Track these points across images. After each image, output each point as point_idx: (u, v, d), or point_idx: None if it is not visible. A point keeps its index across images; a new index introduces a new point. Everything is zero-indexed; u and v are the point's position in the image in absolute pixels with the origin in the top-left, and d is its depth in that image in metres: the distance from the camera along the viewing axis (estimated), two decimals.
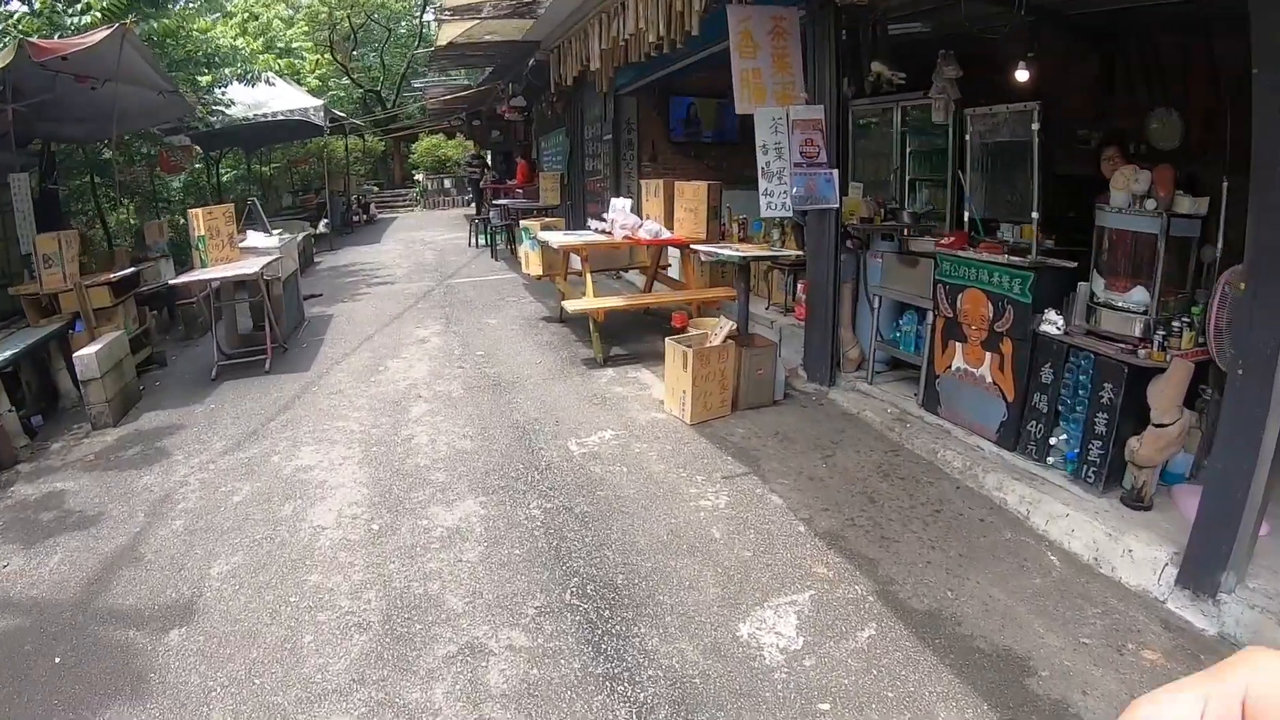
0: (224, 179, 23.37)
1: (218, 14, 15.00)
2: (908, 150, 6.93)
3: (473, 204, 27.32)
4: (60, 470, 5.72)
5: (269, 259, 8.26)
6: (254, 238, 9.37)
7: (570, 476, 5.09)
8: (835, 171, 6.30)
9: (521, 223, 9.15)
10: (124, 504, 5.03)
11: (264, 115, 15.57)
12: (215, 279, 7.62)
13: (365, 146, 30.42)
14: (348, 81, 31.78)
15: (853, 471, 5.12)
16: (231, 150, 22.66)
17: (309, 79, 24.93)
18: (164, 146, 14.04)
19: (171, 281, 7.63)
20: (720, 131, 12.55)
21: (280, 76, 19.29)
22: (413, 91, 27.97)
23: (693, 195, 7.70)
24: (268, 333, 8.08)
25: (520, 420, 6.09)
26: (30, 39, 6.09)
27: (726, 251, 6.49)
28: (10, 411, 6.32)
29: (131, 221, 15.09)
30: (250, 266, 7.68)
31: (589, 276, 7.61)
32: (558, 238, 7.90)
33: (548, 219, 9.35)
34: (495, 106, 18.57)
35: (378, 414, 6.40)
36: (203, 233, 7.86)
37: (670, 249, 8.53)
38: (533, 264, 8.95)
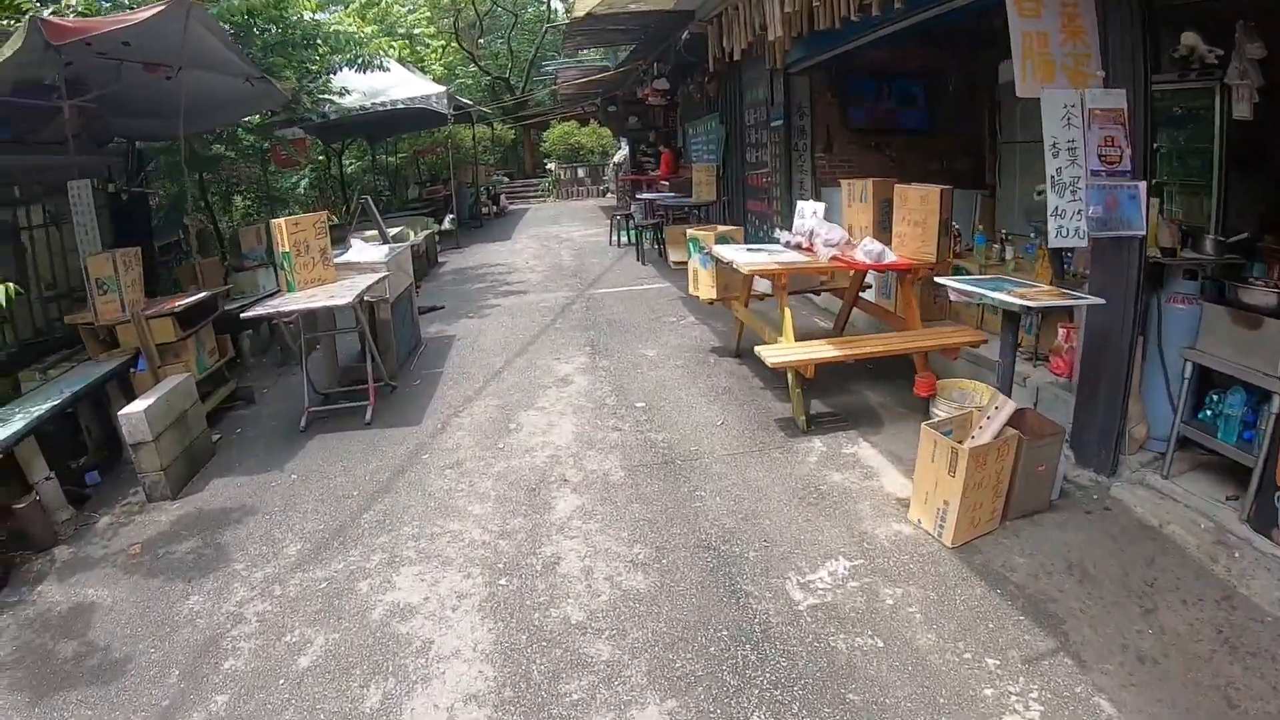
0: (348, 170, 22.56)
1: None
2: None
3: (611, 194, 25.97)
4: (99, 564, 4.54)
5: (372, 279, 6.74)
6: (357, 249, 7.92)
7: (803, 658, 3.27)
8: (1142, 185, 4.31)
9: (689, 232, 7.35)
10: (159, 644, 3.67)
11: (382, 104, 14.37)
12: (294, 310, 6.13)
13: (494, 135, 29.26)
14: (475, 69, 30.76)
15: (1188, 642, 3.25)
16: (355, 141, 21.80)
17: (433, 66, 23.84)
18: (275, 140, 12.96)
19: (244, 315, 6.17)
20: (904, 118, 10.48)
21: (401, 62, 18.13)
22: (542, 77, 26.61)
23: (919, 204, 5.72)
24: (369, 373, 6.60)
25: (711, 533, 4.29)
26: (44, 17, 4.69)
27: (1002, 297, 4.49)
28: (49, 479, 5.04)
29: (245, 221, 14.12)
30: (344, 294, 6.13)
31: (787, 313, 5.77)
32: (744, 258, 6.06)
33: (723, 228, 7.47)
34: (634, 90, 16.90)
35: (508, 510, 4.72)
36: (287, 249, 6.40)
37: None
38: (703, 284, 7.16)
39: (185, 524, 4.92)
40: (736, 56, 8.38)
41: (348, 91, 12.99)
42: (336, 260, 7.33)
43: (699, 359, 7.37)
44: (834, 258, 5.84)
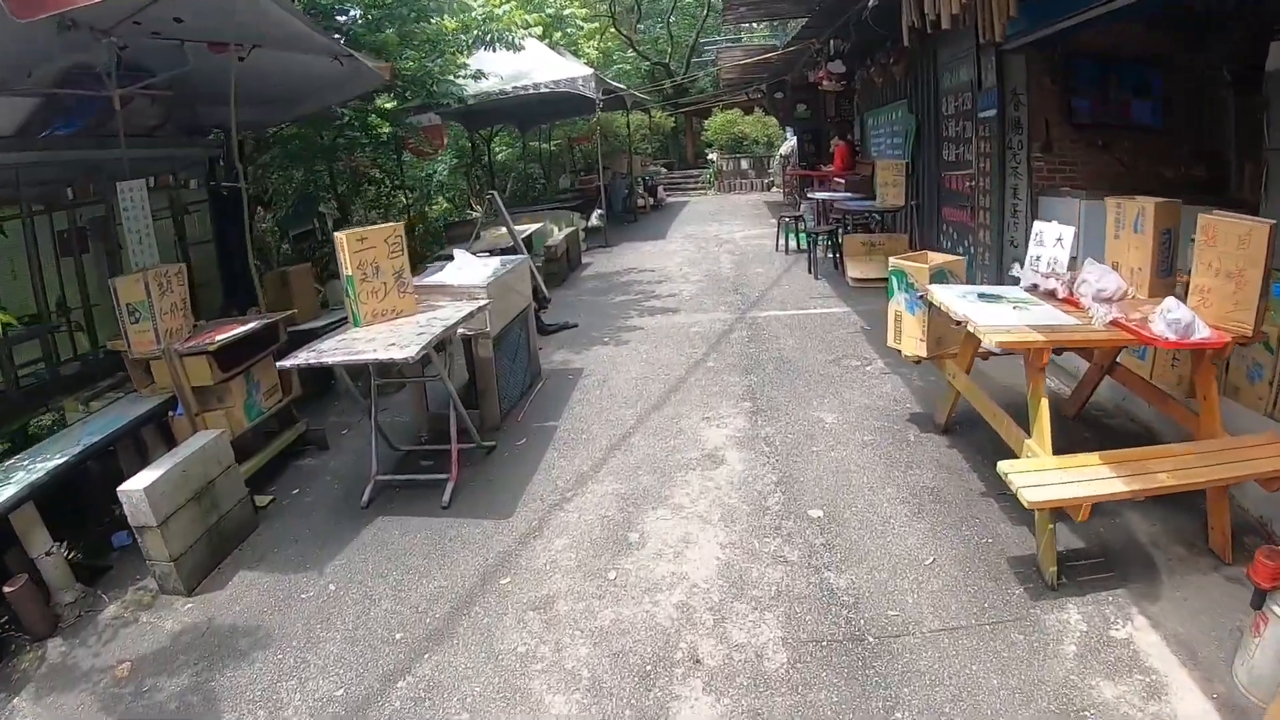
0: (498, 158, 21.65)
1: None
2: None
3: (777, 189, 24.10)
4: (80, 683, 3.69)
5: (462, 313, 5.32)
6: (456, 265, 6.54)
7: None
8: None
9: (894, 262, 5.46)
10: None
11: (524, 88, 13.40)
12: (334, 363, 4.75)
13: (652, 123, 27.81)
14: (633, 54, 29.41)
15: None
16: (503, 128, 20.86)
17: (587, 50, 22.59)
18: (404, 128, 11.90)
19: (282, 364, 4.85)
20: (1137, 111, 8.28)
21: (551, 46, 16.90)
22: (702, 60, 24.95)
23: (1235, 245, 3.72)
24: (453, 437, 5.23)
25: None
26: None
27: None
28: (50, 553, 4.16)
29: (370, 212, 13.22)
30: (411, 340, 4.71)
31: (1043, 410, 3.91)
32: (982, 315, 4.16)
33: (938, 257, 5.42)
34: (805, 73, 14.99)
35: (604, 714, 3.17)
36: (350, 271, 5.08)
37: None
38: (908, 336, 5.34)
39: (187, 642, 3.86)
40: (945, 24, 6.49)
41: (483, 75, 11.89)
42: (426, 281, 6.02)
43: (894, 433, 5.57)
44: (1115, 323, 3.94)
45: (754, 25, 25.49)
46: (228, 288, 7.42)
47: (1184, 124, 8.09)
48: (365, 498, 5.18)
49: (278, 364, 5.01)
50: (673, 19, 30.47)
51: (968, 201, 9.08)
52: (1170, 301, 3.74)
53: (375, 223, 14.16)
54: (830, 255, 11.56)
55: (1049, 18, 6.90)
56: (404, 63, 9.74)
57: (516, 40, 11.60)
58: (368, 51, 9.49)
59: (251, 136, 9.96)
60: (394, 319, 5.35)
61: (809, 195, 13.26)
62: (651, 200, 22.87)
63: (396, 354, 4.49)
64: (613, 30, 29.32)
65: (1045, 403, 3.92)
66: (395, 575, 4.30)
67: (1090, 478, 3.62)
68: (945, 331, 5.17)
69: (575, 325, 9.18)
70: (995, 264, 8.47)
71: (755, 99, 24.24)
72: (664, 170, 28.18)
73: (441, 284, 5.97)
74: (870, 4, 8.74)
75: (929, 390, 6.17)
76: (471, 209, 20.70)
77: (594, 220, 15.99)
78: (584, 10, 21.88)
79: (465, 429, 5.50)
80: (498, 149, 22.05)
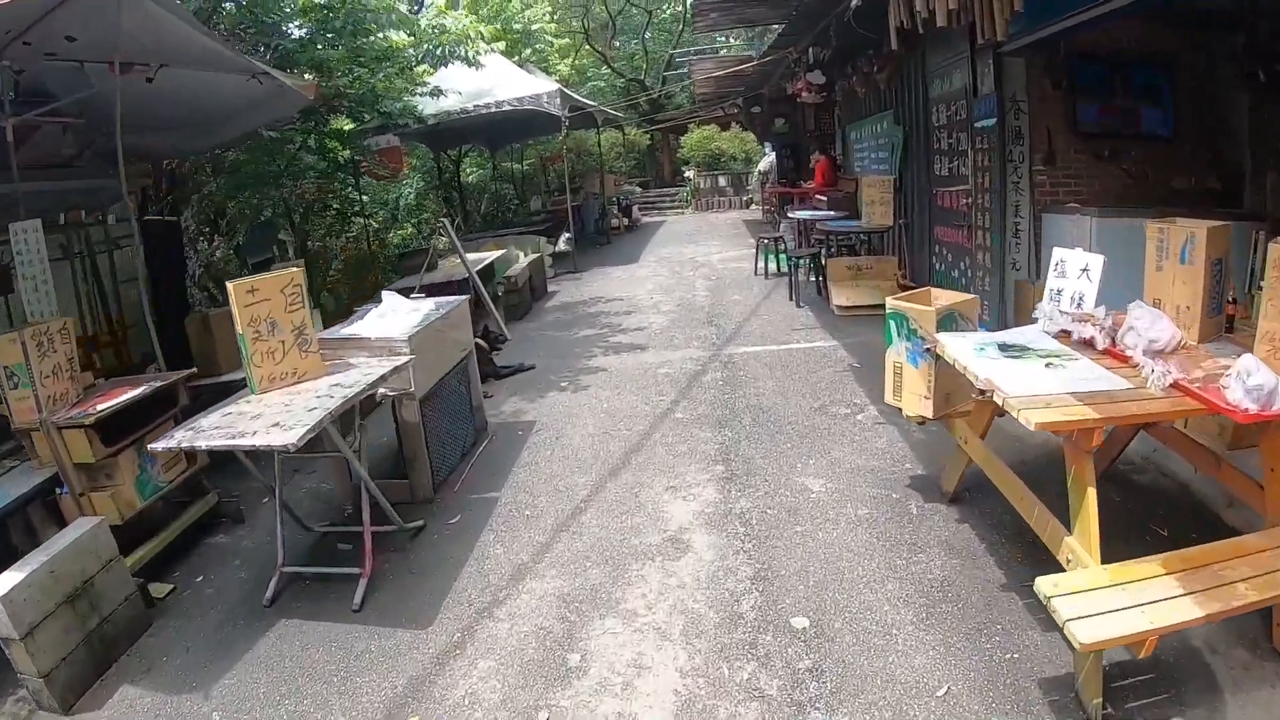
0: (469, 179, 20.81)
1: None
2: None
3: (756, 206, 23.27)
4: None
5: (371, 376, 4.39)
6: (383, 308, 5.63)
7: None
8: None
9: (891, 303, 4.54)
10: None
11: (485, 106, 12.69)
12: (205, 448, 3.85)
13: (626, 140, 26.99)
14: (608, 71, 28.67)
15: None
16: (473, 148, 20.03)
17: (558, 67, 21.81)
18: (357, 150, 11.08)
19: (153, 446, 3.93)
20: (1146, 118, 7.49)
21: (514, 58, 16.14)
22: (677, 73, 24.19)
23: None
24: (365, 527, 4.36)
25: None
26: None
27: None
28: None
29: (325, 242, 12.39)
30: (297, 418, 3.74)
31: (1090, 503, 3.00)
32: (1011, 380, 3.13)
33: (947, 297, 4.51)
34: (783, 85, 14.19)
35: None
36: (241, 329, 4.18)
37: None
38: (910, 392, 4.41)
39: None
40: (941, 21, 5.66)
41: (441, 92, 11.12)
42: (340, 333, 5.13)
43: (892, 504, 4.66)
44: (1177, 386, 3.05)
45: (729, 37, 24.78)
46: (161, 330, 6.56)
47: (1194, 130, 7.33)
48: (269, 593, 4.31)
49: (149, 446, 4.07)
50: (648, 35, 29.75)
51: (964, 220, 8.24)
52: (1248, 361, 2.84)
53: (334, 251, 13.46)
54: (813, 279, 10.68)
55: (1052, 15, 6.11)
56: (344, 79, 8.85)
57: (472, 55, 10.79)
58: (307, 69, 8.64)
59: (194, 164, 9.15)
60: (295, 383, 4.43)
61: (789, 214, 12.41)
62: (626, 221, 22.03)
63: (277, 439, 3.56)
64: (587, 48, 28.63)
65: (1092, 495, 3.03)
66: (289, 705, 3.43)
67: (1155, 597, 2.72)
68: (955, 385, 4.27)
69: (532, 367, 8.28)
70: (996, 289, 7.65)
71: (732, 114, 23.48)
72: (639, 189, 27.36)
73: (356, 337, 5.04)
74: (853, 4, 7.93)
75: (931, 445, 5.29)
76: (438, 234, 19.90)
77: (562, 245, 15.10)
78: (553, 25, 21.11)
79: (380, 513, 4.58)
80: (468, 170, 21.21)
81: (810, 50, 11.27)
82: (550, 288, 13.14)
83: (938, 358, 4.03)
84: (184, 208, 10.17)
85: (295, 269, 4.43)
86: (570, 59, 26.00)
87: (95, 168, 6.59)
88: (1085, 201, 7.14)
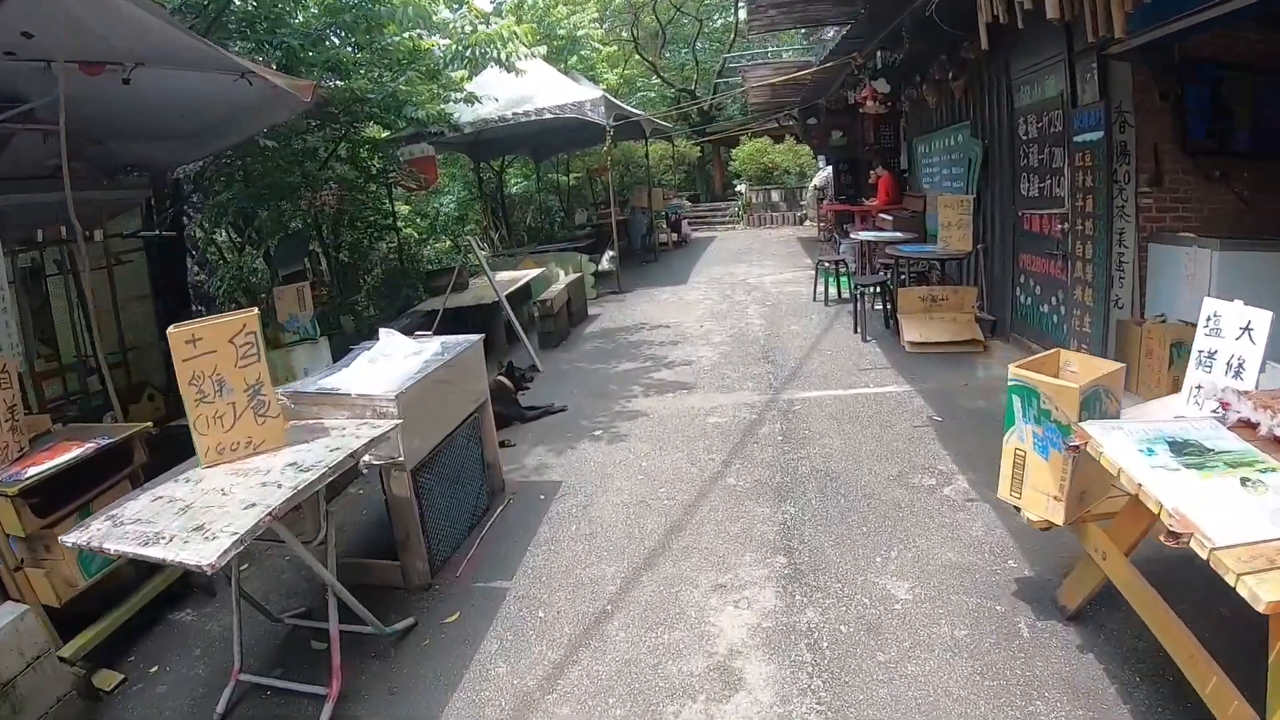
0: (513, 190, 20.07)
1: None
2: None
3: (810, 223, 22.18)
4: None
5: (346, 447, 3.49)
6: (376, 350, 4.83)
7: None
8: None
9: (1015, 373, 3.49)
10: None
11: (525, 114, 11.99)
12: (124, 553, 2.90)
13: (676, 152, 26.07)
14: (658, 81, 27.81)
15: None
16: (516, 158, 19.32)
17: (606, 76, 20.99)
18: (385, 160, 10.74)
19: (64, 540, 3.10)
20: (1259, 136, 6.41)
21: (560, 67, 15.41)
22: (728, 84, 23.26)
23: None
24: (332, 640, 3.52)
25: None
26: None
27: None
28: None
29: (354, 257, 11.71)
30: (224, 527, 2.80)
31: None
32: (1219, 517, 2.22)
33: (1092, 368, 3.53)
34: (845, 94, 13.18)
35: None
36: (183, 390, 3.41)
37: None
38: (1037, 490, 3.36)
39: None
40: (1052, 13, 4.65)
41: (476, 99, 10.71)
42: (318, 385, 4.29)
43: (997, 618, 3.65)
44: None
45: (783, 41, 23.79)
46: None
47: None
48: (220, 708, 3.47)
49: (60, 539, 3.22)
50: (699, 45, 28.85)
51: (1057, 248, 7.21)
52: None
53: (371, 264, 12.70)
54: (879, 309, 9.64)
55: (1173, 11, 5.13)
56: (359, 81, 8.08)
57: (507, 57, 9.97)
58: (322, 70, 7.90)
59: (211, 174, 8.49)
60: (249, 455, 3.57)
61: (851, 235, 11.39)
62: (675, 236, 21.09)
63: (190, 555, 2.68)
64: (637, 57, 27.83)
65: None
66: None
67: None
68: (1092, 482, 3.27)
69: (563, 409, 7.37)
70: (1098, 330, 6.62)
71: (786, 126, 22.47)
72: (688, 204, 26.40)
73: (334, 393, 4.16)
74: (932, 2, 6.97)
75: (1039, 535, 4.25)
76: (480, 246, 19.15)
77: (605, 263, 14.20)
78: (600, 32, 20.29)
79: (356, 614, 3.70)
80: (512, 181, 20.47)
81: (879, 54, 10.25)
82: (591, 310, 12.25)
83: (1076, 450, 3.03)
84: (191, 219, 9.57)
85: (249, 314, 3.55)
86: (620, 69, 25.24)
87: (87, 180, 5.94)
88: (1194, 229, 6.15)
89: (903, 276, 9.16)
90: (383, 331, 5.07)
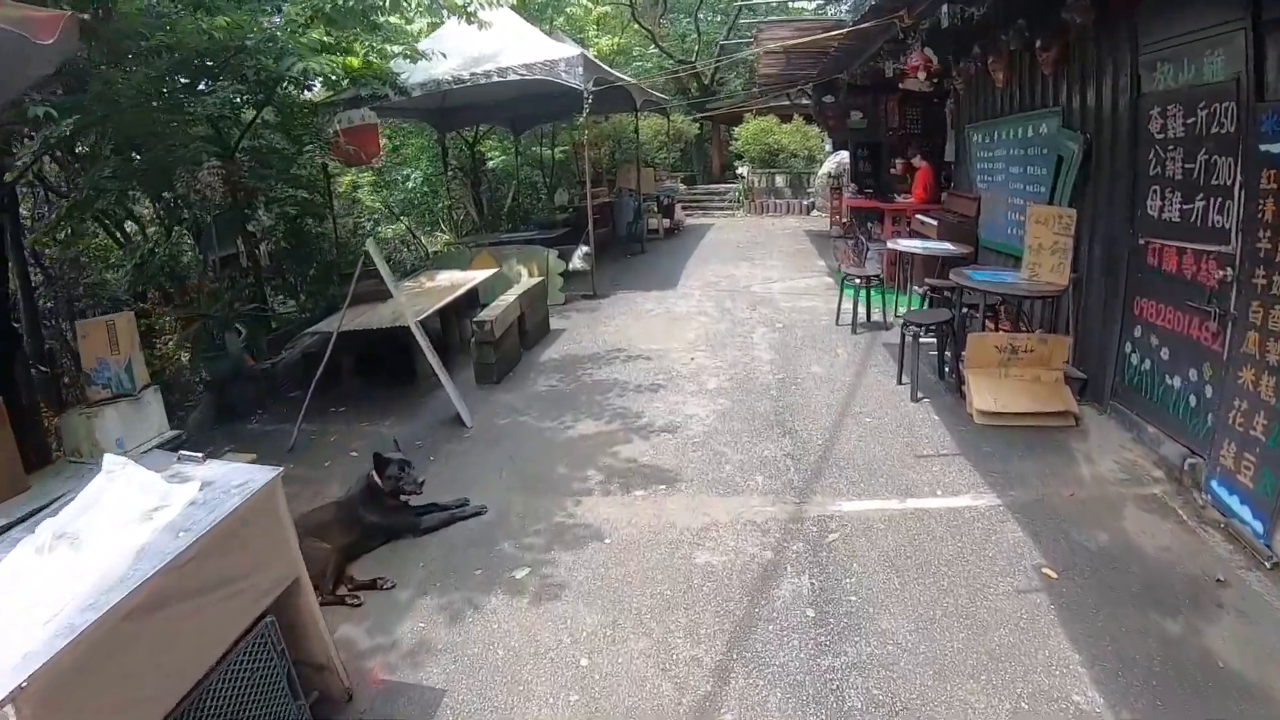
0: (493, 165, 17.66)
1: None
2: None
3: (819, 212, 19.77)
4: None
5: None
6: (68, 524, 2.47)
7: None
8: None
9: None
10: None
11: (486, 74, 9.89)
12: None
13: (672, 129, 23.55)
14: (656, 50, 25.25)
15: None
16: (493, 129, 16.99)
17: (596, 40, 18.54)
18: (307, 131, 9.17)
19: None
20: None
21: (546, 28, 13.11)
22: (733, 55, 20.71)
23: None
24: None
25: None
26: None
27: None
28: None
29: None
30: None
31: None
32: None
33: None
34: (881, 65, 10.76)
35: None
36: None
37: None
38: None
39: None
40: None
41: (421, 55, 9.07)
42: None
43: None
44: None
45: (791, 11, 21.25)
46: None
47: None
48: None
49: None
50: (701, 15, 26.23)
51: (1210, 302, 4.91)
52: None
53: (306, 253, 10.45)
54: (929, 346, 7.32)
55: None
56: (213, 20, 5.78)
57: (468, 6, 7.85)
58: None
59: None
60: None
61: (887, 241, 9.03)
62: (666, 223, 18.68)
63: None
64: (635, 26, 25.28)
65: None
66: None
67: None
68: None
69: (479, 512, 5.06)
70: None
71: (798, 104, 19.98)
72: (682, 186, 23.88)
73: None
74: None
75: None
76: (441, 228, 16.85)
77: (577, 261, 11.77)
78: None
79: None
80: (491, 154, 18.02)
81: (944, 8, 7.86)
82: (555, 322, 9.87)
83: None
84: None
85: None
86: (616, 36, 22.67)
87: None
88: None
89: (968, 311, 6.86)
90: (108, 460, 2.74)
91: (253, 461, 4.68)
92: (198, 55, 6.58)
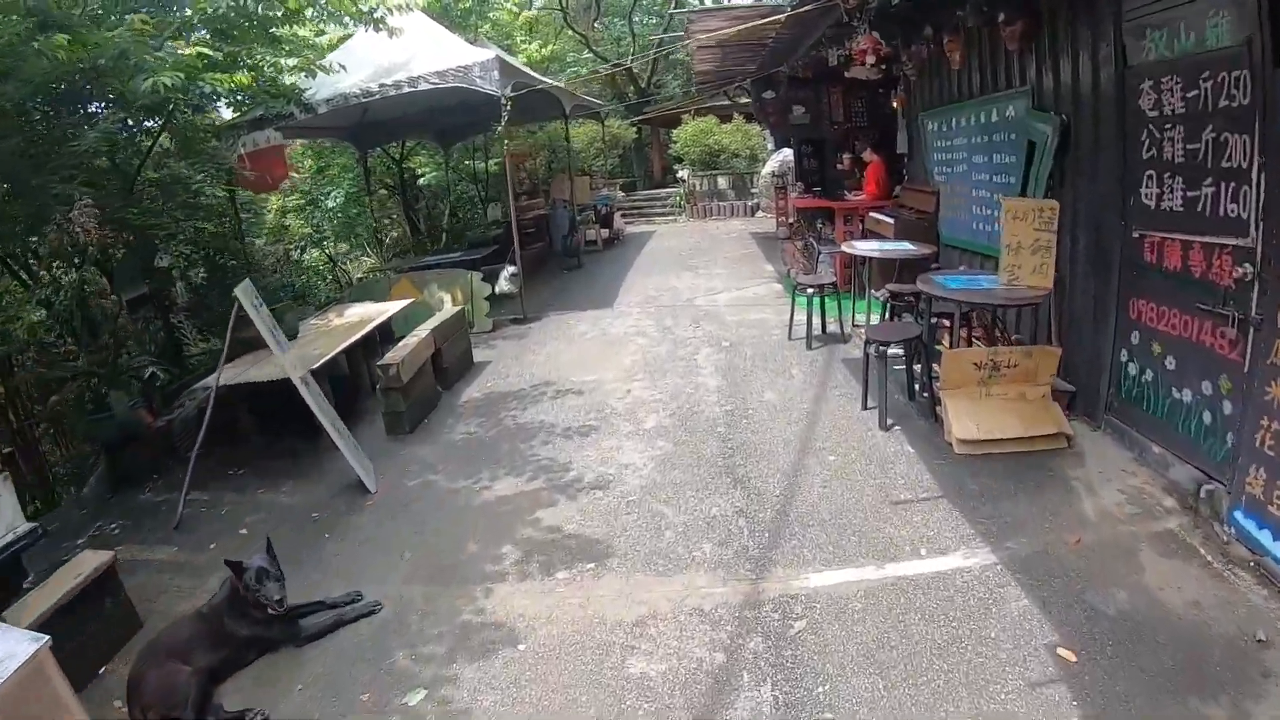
0: (425, 180, 16.66)
1: None
2: None
3: (764, 214, 19.00)
4: None
5: None
6: None
7: None
8: None
9: None
10: None
11: (395, 85, 9.04)
12: None
13: (609, 135, 22.64)
14: (590, 55, 24.41)
15: None
16: (419, 143, 16.07)
17: (526, 48, 17.67)
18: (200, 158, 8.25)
19: None
20: None
21: (477, 36, 12.31)
22: (668, 50, 19.92)
23: None
24: None
25: None
26: None
27: None
28: None
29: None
30: None
31: None
32: None
33: None
34: (824, 54, 9.96)
35: None
36: None
37: None
38: None
39: None
40: None
41: (320, 68, 8.03)
42: None
43: None
44: None
45: None
46: None
47: None
48: None
49: None
50: (637, 18, 25.44)
51: (1226, 303, 4.14)
52: None
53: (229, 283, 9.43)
54: (900, 364, 6.49)
55: None
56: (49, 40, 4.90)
57: (374, 12, 7.54)
58: None
59: None
60: None
61: (847, 247, 8.19)
62: (605, 233, 17.78)
63: None
64: (569, 32, 24.43)
65: None
66: None
67: None
68: None
69: (371, 610, 4.15)
70: None
71: (738, 101, 19.20)
72: (620, 193, 22.97)
73: None
74: None
75: None
76: (367, 251, 15.86)
77: (504, 284, 10.81)
78: None
79: None
80: (422, 170, 17.00)
81: None
82: (480, 354, 8.92)
83: None
84: None
85: None
86: (549, 43, 21.75)
87: None
88: None
89: (938, 321, 6.06)
90: None
91: (109, 560, 4.19)
92: (48, 80, 5.71)
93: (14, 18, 5.38)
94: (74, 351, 6.87)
